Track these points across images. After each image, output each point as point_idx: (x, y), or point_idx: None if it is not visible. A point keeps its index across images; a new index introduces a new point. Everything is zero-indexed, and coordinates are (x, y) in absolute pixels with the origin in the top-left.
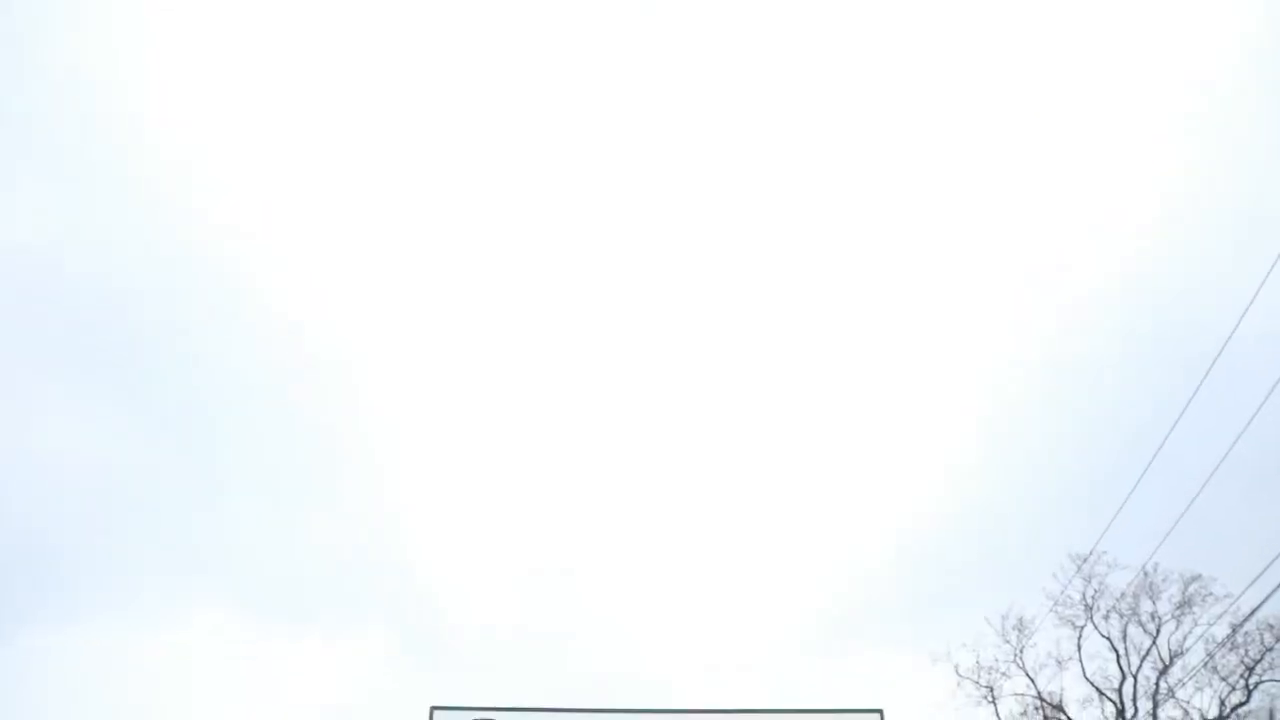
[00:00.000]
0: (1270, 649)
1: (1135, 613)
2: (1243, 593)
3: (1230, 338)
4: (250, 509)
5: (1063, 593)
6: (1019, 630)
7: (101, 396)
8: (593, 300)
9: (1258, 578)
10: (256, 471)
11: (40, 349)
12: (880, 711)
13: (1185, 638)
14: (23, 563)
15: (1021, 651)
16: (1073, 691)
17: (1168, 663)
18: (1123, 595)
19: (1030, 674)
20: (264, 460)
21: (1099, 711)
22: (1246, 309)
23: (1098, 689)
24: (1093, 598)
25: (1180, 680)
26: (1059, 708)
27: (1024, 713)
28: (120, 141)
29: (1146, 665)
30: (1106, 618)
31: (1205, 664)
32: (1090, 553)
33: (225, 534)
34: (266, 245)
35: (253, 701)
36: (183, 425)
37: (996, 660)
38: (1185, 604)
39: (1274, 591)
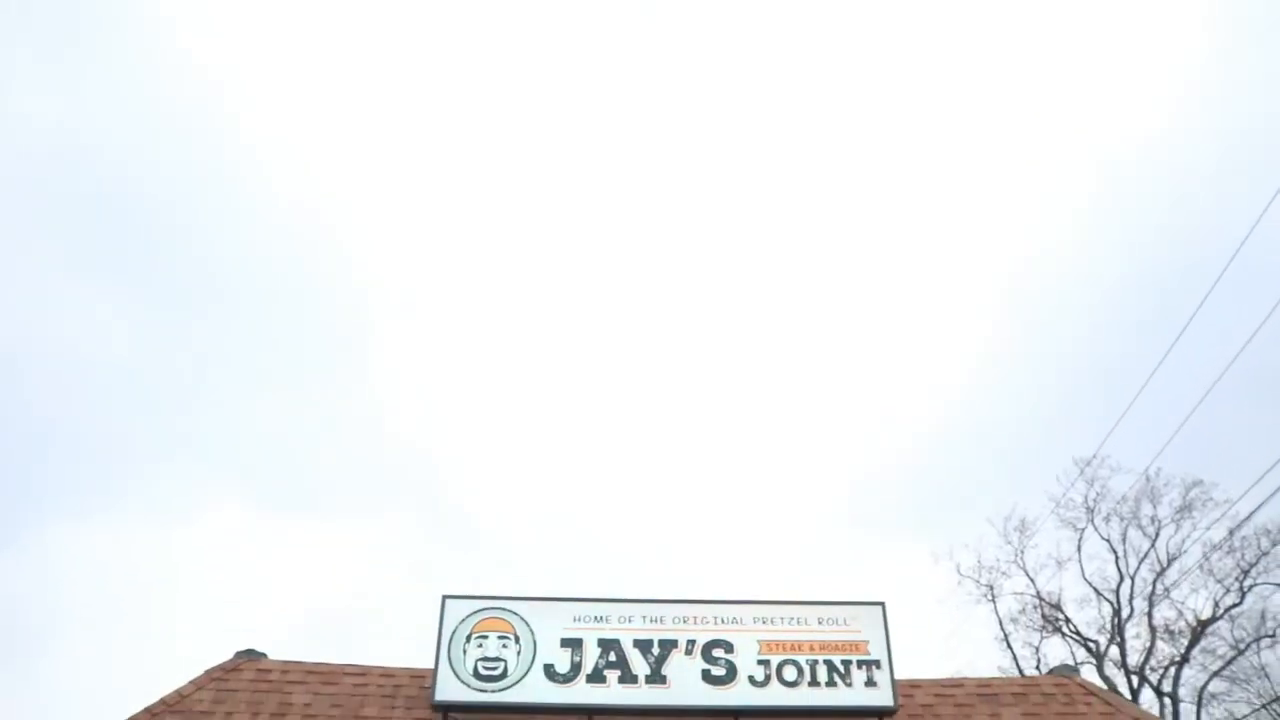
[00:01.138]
0: (1266, 553)
1: (1135, 516)
2: (1241, 497)
3: (1244, 241)
4: (266, 401)
5: (1065, 495)
6: (1020, 531)
7: (114, 288)
8: (612, 199)
9: (1256, 482)
10: (272, 362)
11: (43, 236)
12: (882, 604)
13: (1184, 541)
14: (38, 460)
15: (1022, 552)
16: (1071, 591)
17: (1165, 565)
18: (1124, 499)
19: (1030, 574)
20: (280, 352)
21: (1096, 611)
22: (1267, 208)
23: (1095, 589)
24: (1094, 501)
25: (1176, 581)
26: (1057, 607)
27: (1022, 611)
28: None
29: (1144, 567)
30: (1107, 520)
31: (1201, 566)
32: (1093, 456)
33: (241, 427)
34: (278, 127)
35: (270, 594)
36: (196, 317)
37: (997, 560)
38: (1185, 508)
39: (1272, 495)
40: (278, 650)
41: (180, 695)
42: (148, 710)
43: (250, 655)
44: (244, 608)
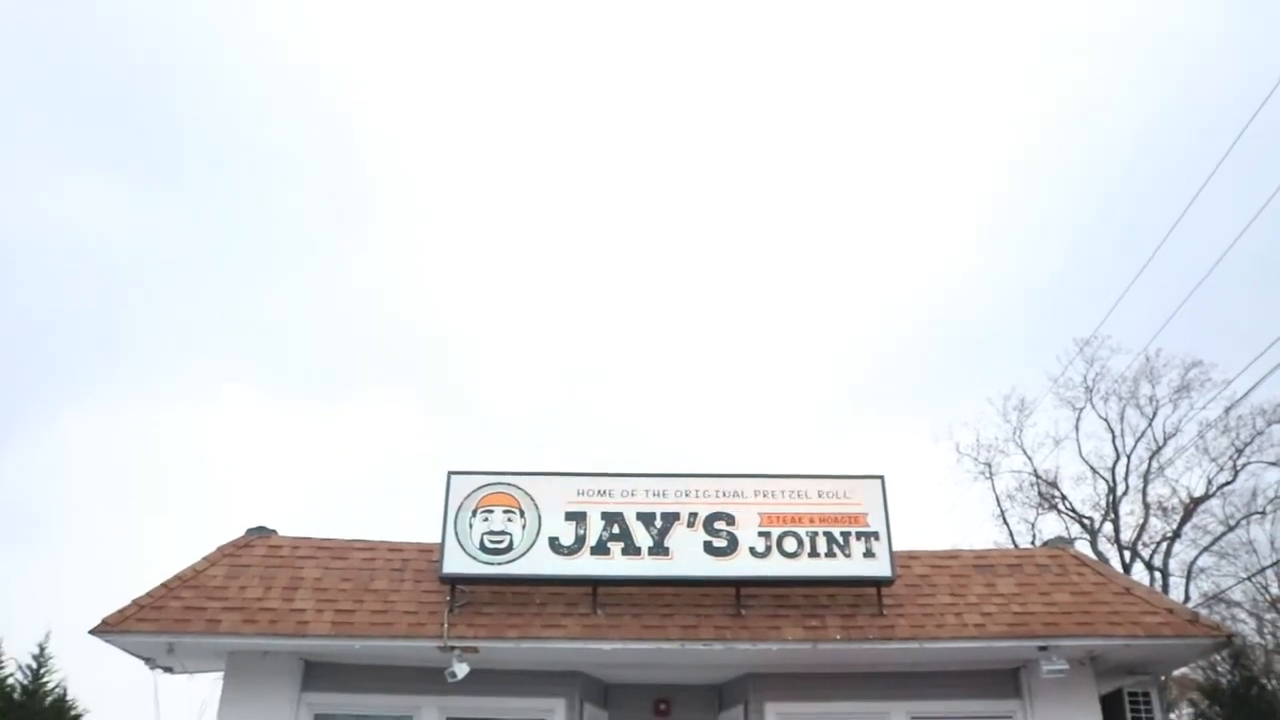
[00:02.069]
0: (1261, 432)
1: (1134, 396)
2: (1238, 375)
3: (1253, 118)
4: (270, 285)
5: (1064, 374)
6: (1019, 410)
7: (116, 173)
8: (619, 76)
9: (1253, 361)
10: (283, 243)
11: (43, 123)
12: (881, 477)
13: (1180, 421)
14: (46, 349)
15: (1020, 431)
16: (1067, 470)
17: (1161, 444)
18: (1123, 379)
19: (1028, 453)
20: (284, 236)
21: (1091, 489)
22: (1276, 87)
23: (1092, 468)
24: (1093, 381)
25: (1171, 459)
26: (1053, 484)
27: (1019, 488)
28: None
29: (1140, 446)
30: (1105, 400)
31: (1196, 444)
32: (1093, 335)
33: (247, 311)
34: (282, 10)
35: (279, 475)
36: (199, 201)
37: (996, 439)
38: (1184, 388)
39: (1269, 374)
40: (287, 529)
41: (195, 571)
42: (164, 585)
43: (261, 532)
44: (254, 489)
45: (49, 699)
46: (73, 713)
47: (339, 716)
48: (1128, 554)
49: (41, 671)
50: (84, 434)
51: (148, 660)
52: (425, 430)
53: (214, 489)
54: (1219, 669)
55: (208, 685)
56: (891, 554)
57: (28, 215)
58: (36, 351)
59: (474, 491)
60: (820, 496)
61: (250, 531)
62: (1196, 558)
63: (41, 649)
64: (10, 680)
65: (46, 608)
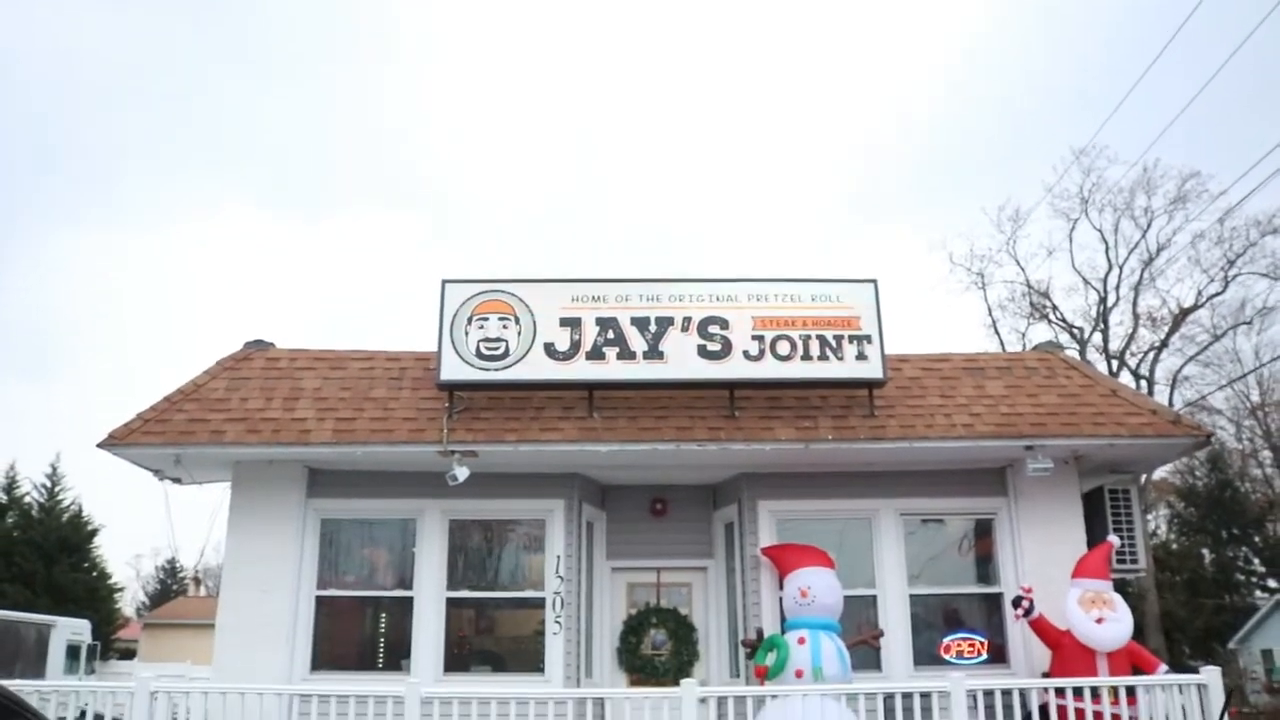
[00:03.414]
0: (1254, 243)
1: (1129, 207)
2: (1234, 184)
3: None
4: (264, 102)
5: (1059, 183)
6: (1014, 220)
7: None
8: None
9: (1249, 170)
10: (270, 64)
11: None
12: (874, 281)
13: (1175, 232)
14: (42, 172)
15: (1014, 242)
16: (1059, 280)
17: (1154, 255)
18: (1119, 189)
19: (1020, 263)
20: (278, 52)
21: (1082, 299)
22: None
23: (1084, 278)
24: (1089, 191)
25: (1162, 270)
26: (1045, 295)
27: (1011, 299)
28: None
29: (1133, 258)
30: (1100, 211)
31: (1189, 255)
32: (1090, 144)
33: (241, 129)
34: None
35: (281, 291)
36: (189, 15)
37: (990, 249)
38: (1180, 200)
39: (1264, 182)
40: (286, 343)
41: (196, 385)
42: (167, 399)
43: (259, 345)
44: (253, 306)
45: (65, 515)
46: (89, 527)
47: (345, 521)
48: (1115, 363)
49: (56, 490)
50: (84, 256)
51: (156, 472)
52: (425, 247)
53: (214, 308)
54: (1196, 473)
55: (216, 495)
56: (883, 356)
57: (30, 35)
58: (34, 174)
59: (469, 299)
60: (813, 300)
61: (248, 345)
62: (1182, 367)
63: (54, 469)
64: (28, 499)
65: (56, 430)
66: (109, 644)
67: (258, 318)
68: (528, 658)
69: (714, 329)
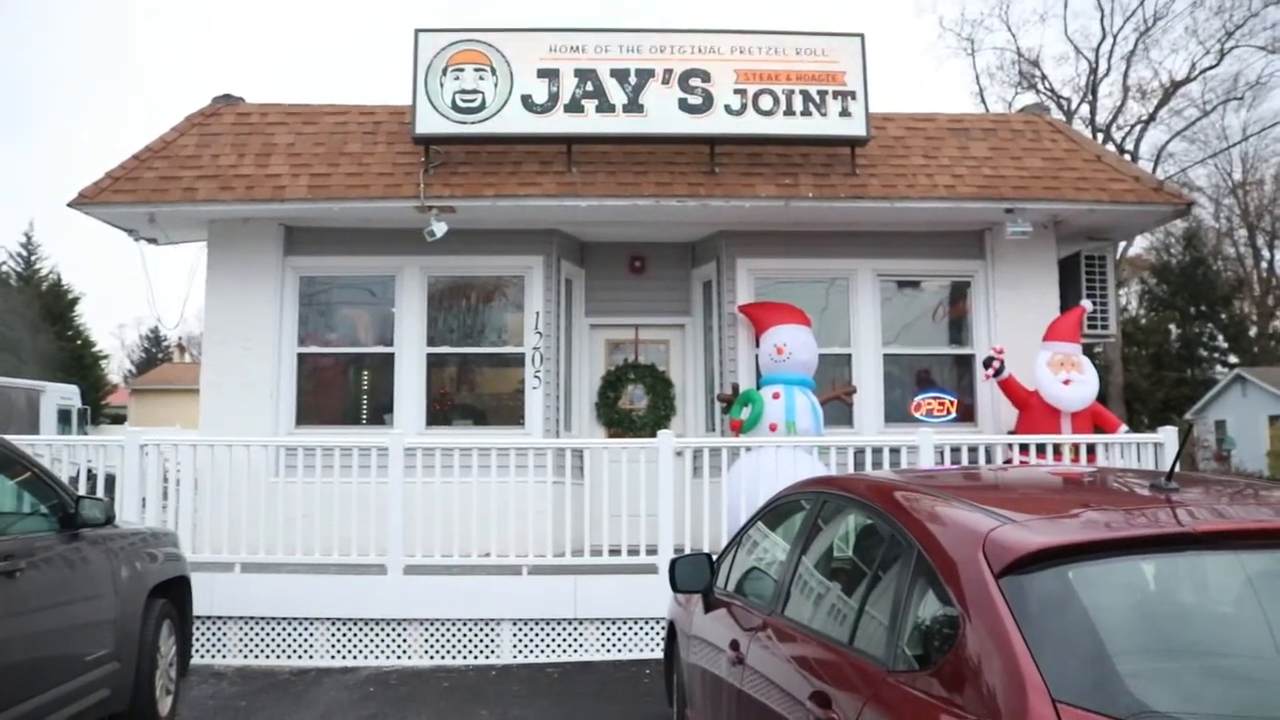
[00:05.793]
0: (1255, 14)
1: None
2: None
3: None
4: None
5: None
6: None
7: None
8: None
9: None
10: None
11: None
12: (861, 36)
13: (1173, 0)
14: None
15: (1007, 6)
16: (1050, 49)
17: (1150, 24)
18: None
19: (1012, 29)
20: None
21: (1073, 69)
22: None
23: (1076, 47)
24: None
25: (1157, 39)
26: (1034, 63)
27: (1000, 67)
28: None
29: (1129, 27)
30: None
31: (1187, 25)
32: None
33: None
34: None
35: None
36: None
37: (981, 15)
38: None
39: None
40: (256, 99)
41: (165, 142)
42: (135, 157)
43: (227, 100)
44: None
45: (45, 284)
46: (70, 295)
47: (323, 279)
48: (1101, 136)
49: (33, 259)
50: (44, 11)
51: (130, 232)
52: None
53: (180, 62)
54: (1171, 250)
55: (194, 254)
56: (867, 114)
57: None
58: None
59: (443, 49)
60: (798, 54)
61: (216, 100)
62: (1168, 142)
63: (28, 237)
64: (4, 268)
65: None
66: (99, 410)
67: (223, 72)
68: (508, 412)
69: (695, 82)
